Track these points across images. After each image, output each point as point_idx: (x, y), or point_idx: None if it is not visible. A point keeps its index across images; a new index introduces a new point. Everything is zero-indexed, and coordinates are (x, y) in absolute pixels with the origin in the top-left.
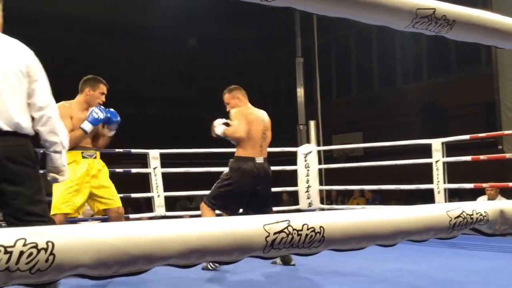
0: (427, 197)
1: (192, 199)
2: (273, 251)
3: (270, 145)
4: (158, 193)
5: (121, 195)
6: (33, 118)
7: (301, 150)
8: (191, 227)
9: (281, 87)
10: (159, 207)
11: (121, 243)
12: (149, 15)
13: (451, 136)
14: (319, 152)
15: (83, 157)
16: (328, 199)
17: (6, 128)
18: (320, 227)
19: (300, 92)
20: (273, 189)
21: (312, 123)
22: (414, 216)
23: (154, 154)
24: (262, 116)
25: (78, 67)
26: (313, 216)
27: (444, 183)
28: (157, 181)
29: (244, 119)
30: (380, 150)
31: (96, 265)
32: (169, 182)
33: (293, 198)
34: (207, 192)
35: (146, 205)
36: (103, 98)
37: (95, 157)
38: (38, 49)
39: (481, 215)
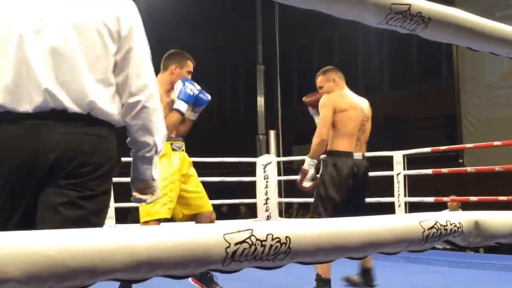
0: (387, 211)
1: None
2: (234, 264)
3: (228, 155)
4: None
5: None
6: (122, 105)
7: (260, 160)
8: (139, 237)
9: (240, 95)
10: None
11: (58, 253)
12: None
13: (413, 149)
14: (278, 163)
15: (173, 149)
16: (287, 212)
17: (74, 108)
18: (286, 237)
19: (260, 100)
20: (231, 201)
21: (272, 133)
22: (386, 226)
23: None
24: (360, 104)
25: None
26: (279, 225)
27: (405, 196)
28: None
29: (331, 110)
30: None
31: (27, 279)
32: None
33: (251, 211)
34: None
35: None
36: (189, 77)
37: (183, 150)
38: None
39: (455, 226)
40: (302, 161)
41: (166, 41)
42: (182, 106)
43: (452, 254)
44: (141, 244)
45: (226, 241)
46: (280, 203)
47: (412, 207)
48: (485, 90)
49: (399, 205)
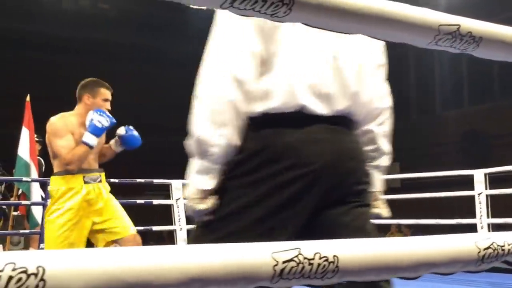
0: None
1: None
2: (282, 282)
3: None
4: (180, 226)
5: (142, 227)
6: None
7: None
8: (192, 254)
9: None
10: (181, 241)
11: (118, 270)
12: (175, 40)
13: (495, 167)
14: None
15: (85, 182)
16: None
17: (357, 117)
18: (334, 256)
19: None
20: None
21: None
22: (439, 247)
23: (177, 185)
24: None
25: None
26: (327, 244)
27: (488, 217)
28: (179, 213)
29: None
30: (419, 182)
31: None
32: None
33: None
34: None
35: (169, 239)
36: (107, 105)
37: (100, 181)
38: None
39: None
40: None
41: None
42: (90, 139)
43: None
44: (193, 262)
45: (274, 259)
46: None
47: (497, 229)
48: None
49: (482, 227)
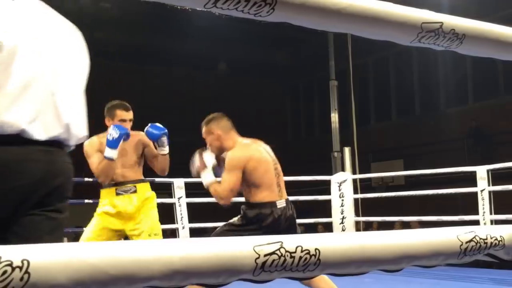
0: None
1: None
2: (264, 274)
3: (304, 173)
4: (183, 225)
5: None
6: None
7: (335, 178)
8: (174, 248)
9: (315, 112)
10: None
11: (101, 262)
12: (178, 39)
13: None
14: (355, 180)
15: (117, 194)
16: (367, 231)
17: (70, 142)
18: (316, 249)
19: (334, 117)
20: (307, 221)
21: (347, 150)
22: (421, 240)
23: (179, 184)
24: (265, 149)
25: (106, 94)
26: (309, 238)
27: (491, 214)
28: (181, 212)
29: (239, 172)
30: (423, 179)
31: (73, 285)
32: (197, 213)
33: (328, 230)
34: None
35: (172, 237)
36: (125, 125)
37: (135, 191)
38: None
39: (496, 239)
40: (381, 179)
41: (237, 61)
42: (108, 152)
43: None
44: (176, 255)
45: (256, 252)
46: (358, 222)
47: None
48: None
49: (485, 223)
